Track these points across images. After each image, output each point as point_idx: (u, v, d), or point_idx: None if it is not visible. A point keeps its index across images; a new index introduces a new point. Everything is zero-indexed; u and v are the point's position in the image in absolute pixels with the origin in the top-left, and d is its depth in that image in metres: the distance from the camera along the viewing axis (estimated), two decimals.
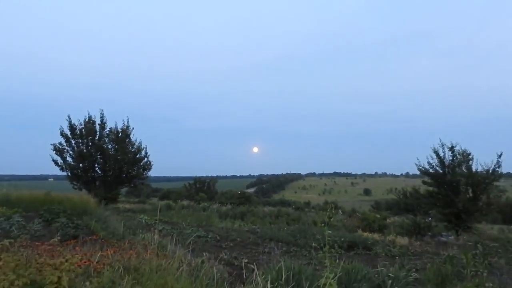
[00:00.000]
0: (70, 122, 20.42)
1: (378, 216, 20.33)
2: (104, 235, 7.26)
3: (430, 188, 21.34)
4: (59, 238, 5.65)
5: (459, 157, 20.03)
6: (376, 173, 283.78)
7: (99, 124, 21.02)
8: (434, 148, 20.47)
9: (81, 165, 20.51)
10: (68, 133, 20.40)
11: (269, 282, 3.39)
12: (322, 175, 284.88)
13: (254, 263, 4.92)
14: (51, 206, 9.01)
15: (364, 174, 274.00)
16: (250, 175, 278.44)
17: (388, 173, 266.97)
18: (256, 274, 3.57)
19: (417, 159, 21.15)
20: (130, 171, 21.62)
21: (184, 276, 3.77)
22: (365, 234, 14.78)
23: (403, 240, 13.68)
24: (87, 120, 20.88)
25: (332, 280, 3.27)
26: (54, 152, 20.29)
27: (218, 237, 10.78)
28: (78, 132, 20.45)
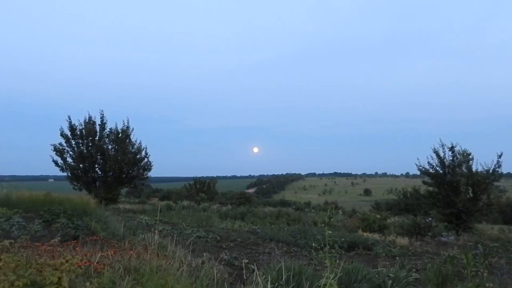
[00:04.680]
0: (70, 122, 20.43)
1: (378, 216, 20.31)
2: (104, 235, 7.26)
3: (430, 188, 21.33)
4: (59, 238, 5.66)
5: (459, 157, 20.02)
6: (376, 173, 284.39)
7: (99, 125, 21.03)
8: (434, 148, 20.48)
9: (81, 165, 20.51)
10: (68, 133, 20.40)
11: (269, 282, 3.39)
12: (322, 175, 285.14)
13: (254, 264, 4.92)
14: (51, 206, 9.00)
15: (364, 174, 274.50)
16: (250, 175, 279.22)
17: (388, 173, 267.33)
18: (256, 274, 3.58)
19: (417, 159, 21.16)
20: (130, 171, 21.62)
21: (185, 276, 3.77)
22: (365, 234, 14.77)
23: (403, 240, 13.67)
24: (87, 120, 20.88)
25: (333, 281, 3.27)
26: (54, 152, 20.30)
27: (218, 238, 10.76)
28: (78, 132, 20.44)
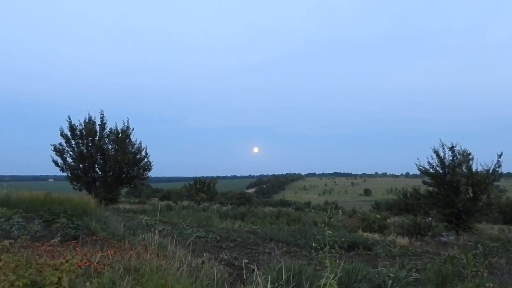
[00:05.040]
0: (70, 122, 20.44)
1: (378, 216, 20.32)
2: (104, 235, 7.26)
3: (430, 188, 21.33)
4: (59, 238, 5.66)
5: (459, 157, 20.02)
6: (376, 173, 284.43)
7: (99, 125, 21.03)
8: (434, 148, 20.48)
9: (81, 165, 20.50)
10: (68, 133, 20.40)
11: (269, 282, 3.39)
12: (322, 175, 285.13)
13: (255, 264, 4.92)
14: (51, 206, 9.00)
15: (364, 174, 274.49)
16: (250, 175, 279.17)
17: (388, 173, 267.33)
18: (256, 274, 3.58)
19: (417, 159, 21.16)
20: (130, 171, 21.61)
21: (185, 276, 3.77)
22: (365, 234, 14.78)
23: (403, 240, 13.67)
24: (87, 120, 20.88)
25: (333, 281, 3.27)
26: (54, 152, 20.30)
27: (218, 238, 10.76)
28: (78, 132, 20.45)
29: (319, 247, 9.33)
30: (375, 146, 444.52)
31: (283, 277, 3.92)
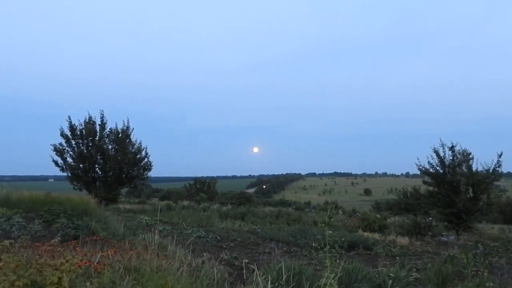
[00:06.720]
0: (70, 122, 20.45)
1: (378, 216, 20.34)
2: (104, 235, 7.27)
3: (431, 188, 21.34)
4: (59, 238, 5.67)
5: (459, 156, 20.03)
6: (376, 173, 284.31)
7: (99, 125, 21.04)
8: (434, 148, 20.48)
9: (81, 165, 20.52)
10: (69, 133, 20.42)
11: (269, 282, 3.39)
12: (322, 175, 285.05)
13: (255, 263, 4.92)
14: (52, 206, 9.00)
15: (364, 174, 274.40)
16: (250, 175, 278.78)
17: (388, 173, 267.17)
18: (256, 274, 3.58)
19: (417, 158, 21.16)
20: (130, 171, 21.63)
21: (185, 276, 3.78)
22: (365, 234, 14.77)
23: (403, 240, 13.67)
24: (87, 120, 20.89)
25: (333, 280, 3.28)
26: (55, 152, 20.32)
27: (218, 238, 10.77)
28: (79, 132, 20.46)
29: (319, 247, 9.31)
30: (375, 146, 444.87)
31: (283, 277, 3.92)
